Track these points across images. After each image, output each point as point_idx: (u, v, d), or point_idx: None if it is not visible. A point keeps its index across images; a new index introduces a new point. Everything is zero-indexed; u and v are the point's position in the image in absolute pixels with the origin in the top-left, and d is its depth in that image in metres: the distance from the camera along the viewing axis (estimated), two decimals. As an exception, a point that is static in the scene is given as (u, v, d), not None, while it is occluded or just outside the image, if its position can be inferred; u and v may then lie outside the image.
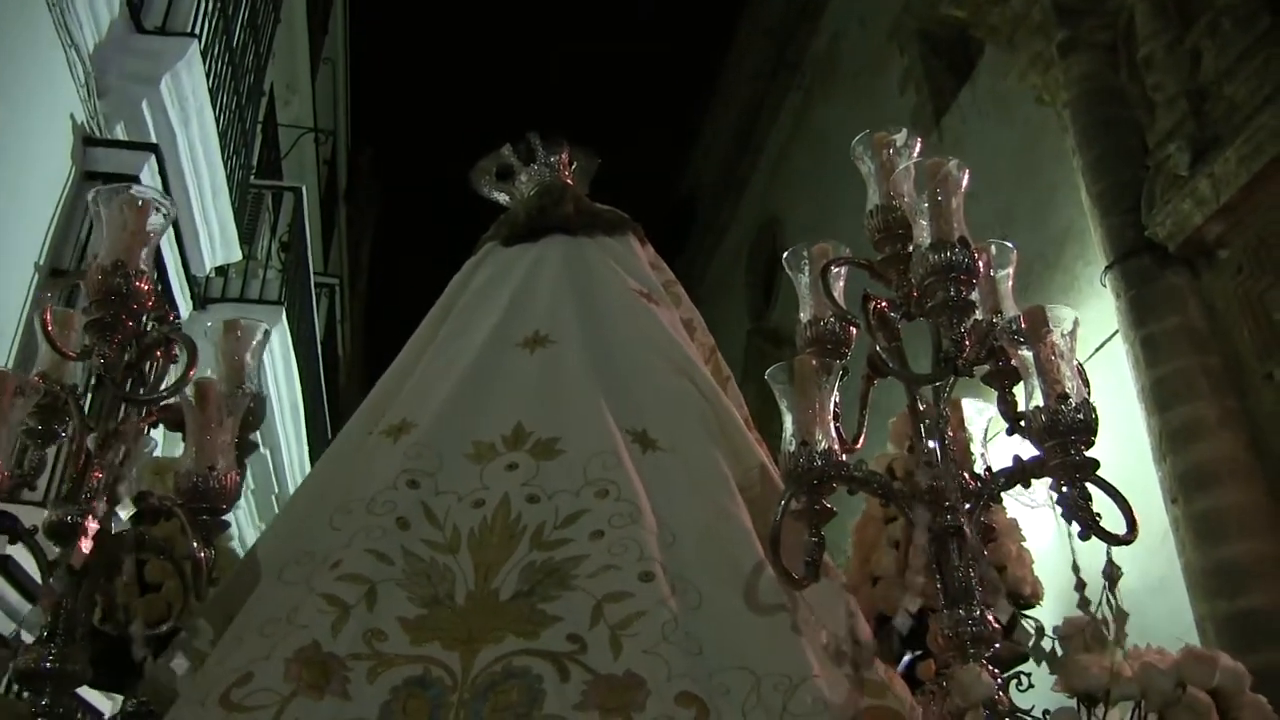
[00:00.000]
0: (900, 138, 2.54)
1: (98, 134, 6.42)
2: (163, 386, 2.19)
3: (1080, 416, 2.03)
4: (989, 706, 1.80)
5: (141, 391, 2.16)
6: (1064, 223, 8.43)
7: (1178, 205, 7.07)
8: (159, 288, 2.23)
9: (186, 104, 6.83)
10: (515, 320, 2.84)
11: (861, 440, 2.49)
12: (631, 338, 2.84)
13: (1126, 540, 2.02)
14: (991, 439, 2.50)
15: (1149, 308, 7.18)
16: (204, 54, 6.91)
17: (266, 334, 2.42)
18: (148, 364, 2.19)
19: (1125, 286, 7.37)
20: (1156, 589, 6.61)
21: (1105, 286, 7.57)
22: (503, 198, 3.44)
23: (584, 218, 3.27)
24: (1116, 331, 7.45)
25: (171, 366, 2.23)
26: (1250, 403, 6.64)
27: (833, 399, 2.26)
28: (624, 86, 23.36)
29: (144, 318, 2.16)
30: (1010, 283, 2.55)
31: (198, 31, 6.84)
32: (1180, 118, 7.22)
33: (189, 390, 2.13)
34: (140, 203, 2.18)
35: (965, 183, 2.29)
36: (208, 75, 7.04)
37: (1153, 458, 6.85)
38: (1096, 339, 7.71)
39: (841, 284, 2.58)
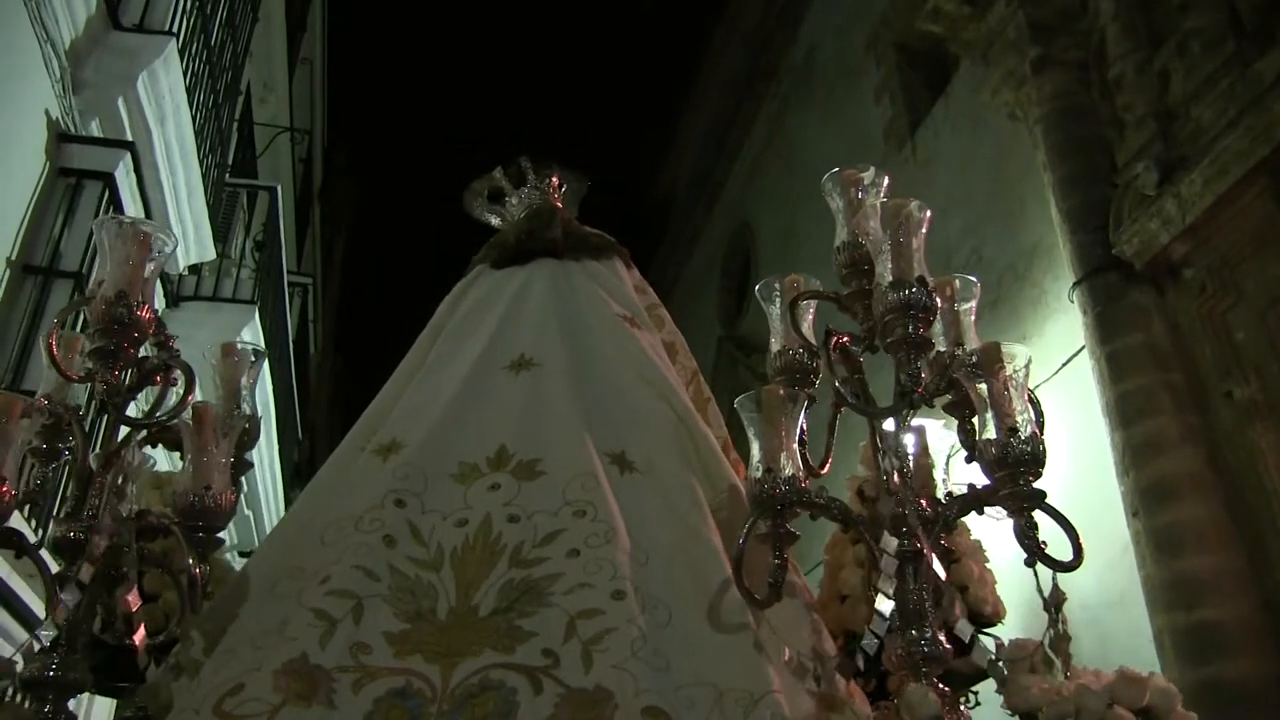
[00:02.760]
0: (868, 176, 2.64)
1: (73, 130, 6.43)
2: (163, 408, 2.29)
3: (1029, 449, 2.14)
4: (936, 723, 1.92)
5: (141, 414, 2.26)
6: (1034, 237, 8.57)
7: (1144, 224, 7.21)
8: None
9: (163, 102, 6.86)
10: (502, 343, 2.94)
11: (828, 465, 2.61)
12: (613, 361, 2.94)
13: (1072, 566, 2.14)
14: (954, 454, 2.63)
15: (1115, 324, 7.32)
16: (181, 52, 6.94)
17: (261, 356, 2.52)
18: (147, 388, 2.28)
19: (1092, 303, 7.50)
20: (1116, 602, 6.77)
21: (1073, 302, 7.71)
22: (494, 220, 3.54)
23: (572, 241, 3.37)
24: (1083, 347, 7.59)
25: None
26: (1210, 419, 6.79)
27: (799, 426, 2.38)
28: (600, 89, 23.47)
29: (144, 344, 2.26)
30: (973, 316, 2.65)
31: (175, 29, 6.86)
32: (1148, 138, 7.35)
33: (187, 414, 2.23)
34: (143, 235, 2.29)
35: (926, 223, 2.41)
36: (185, 73, 7.07)
37: (1116, 472, 6.99)
38: (1063, 354, 7.87)
39: (812, 313, 2.71)
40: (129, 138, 6.68)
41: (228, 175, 9.91)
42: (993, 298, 8.64)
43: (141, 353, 2.31)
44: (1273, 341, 6.44)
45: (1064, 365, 7.87)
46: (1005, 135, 9.02)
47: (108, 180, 6.36)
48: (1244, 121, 6.54)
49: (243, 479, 8.02)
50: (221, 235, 9.24)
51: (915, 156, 10.73)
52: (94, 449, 2.22)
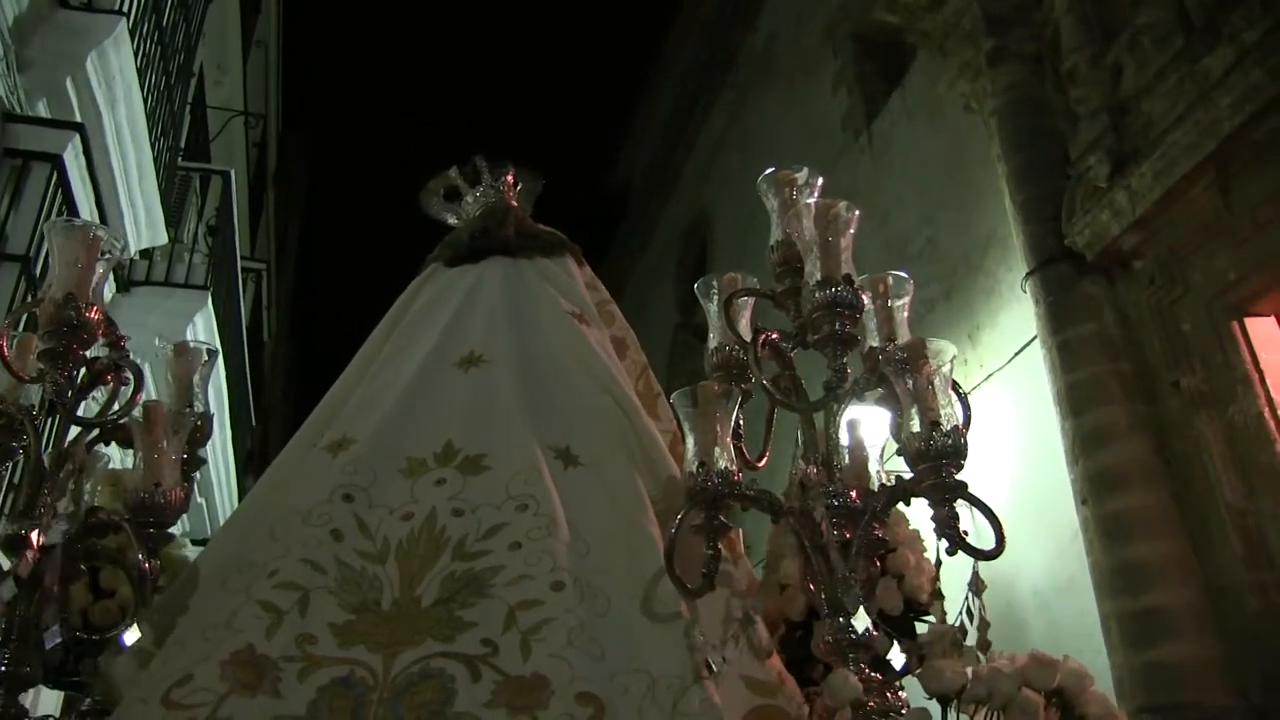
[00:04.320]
0: (802, 176, 2.74)
1: (18, 110, 6.26)
2: (115, 406, 2.35)
3: (951, 442, 2.21)
4: (857, 707, 2.01)
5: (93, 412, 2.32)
6: (988, 228, 8.68)
7: (1096, 216, 7.33)
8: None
9: (113, 83, 6.72)
10: (453, 340, 3.00)
11: (766, 458, 2.70)
12: (561, 358, 3.00)
13: (993, 555, 2.22)
14: (888, 459, 2.71)
15: (1066, 314, 7.44)
16: (132, 32, 6.78)
17: (214, 355, 2.58)
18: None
19: (1044, 293, 7.62)
20: (1065, 588, 6.91)
21: (1025, 292, 7.83)
22: (450, 218, 3.59)
23: (524, 239, 3.42)
24: (1035, 337, 7.72)
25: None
26: (1159, 409, 6.93)
27: (733, 420, 2.46)
28: (557, 77, 23.48)
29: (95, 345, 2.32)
30: (906, 312, 2.72)
31: (126, 8, 6.70)
32: (1101, 131, 7.47)
33: (137, 412, 2.29)
34: (92, 238, 2.34)
35: (855, 223, 2.49)
36: (136, 54, 6.92)
37: (1066, 460, 7.12)
38: (1016, 344, 8.00)
39: (749, 311, 2.80)
40: (78, 119, 6.51)
41: (180, 159, 9.79)
42: (946, 288, 8.75)
43: (93, 352, 2.37)
44: (1217, 333, 6.58)
45: (1016, 355, 8.01)
46: (961, 126, 9.12)
47: (56, 162, 6.19)
48: (1192, 116, 6.67)
49: (195, 468, 7.88)
50: (174, 220, 9.06)
51: (872, 147, 10.83)
52: (46, 448, 2.28)
